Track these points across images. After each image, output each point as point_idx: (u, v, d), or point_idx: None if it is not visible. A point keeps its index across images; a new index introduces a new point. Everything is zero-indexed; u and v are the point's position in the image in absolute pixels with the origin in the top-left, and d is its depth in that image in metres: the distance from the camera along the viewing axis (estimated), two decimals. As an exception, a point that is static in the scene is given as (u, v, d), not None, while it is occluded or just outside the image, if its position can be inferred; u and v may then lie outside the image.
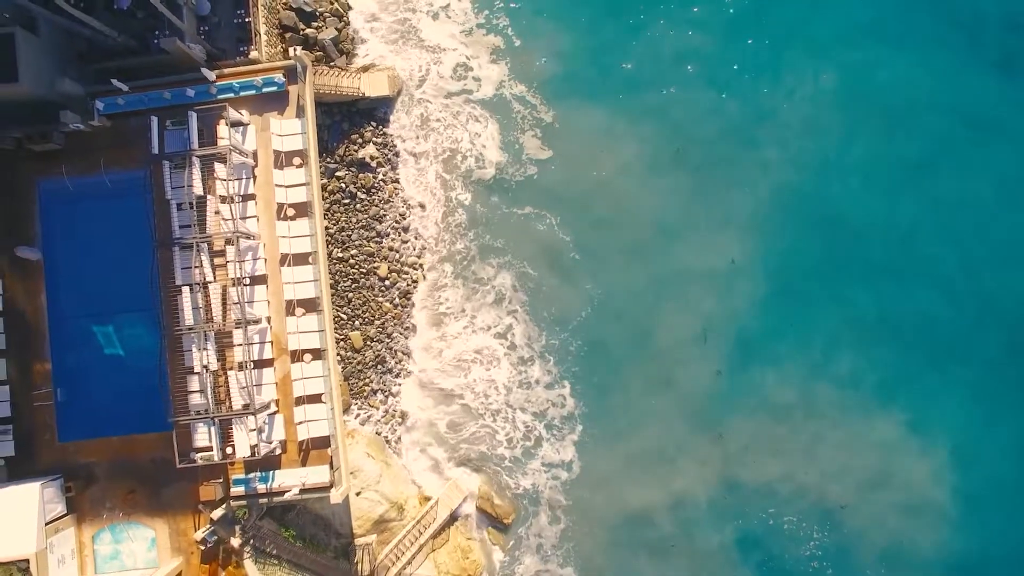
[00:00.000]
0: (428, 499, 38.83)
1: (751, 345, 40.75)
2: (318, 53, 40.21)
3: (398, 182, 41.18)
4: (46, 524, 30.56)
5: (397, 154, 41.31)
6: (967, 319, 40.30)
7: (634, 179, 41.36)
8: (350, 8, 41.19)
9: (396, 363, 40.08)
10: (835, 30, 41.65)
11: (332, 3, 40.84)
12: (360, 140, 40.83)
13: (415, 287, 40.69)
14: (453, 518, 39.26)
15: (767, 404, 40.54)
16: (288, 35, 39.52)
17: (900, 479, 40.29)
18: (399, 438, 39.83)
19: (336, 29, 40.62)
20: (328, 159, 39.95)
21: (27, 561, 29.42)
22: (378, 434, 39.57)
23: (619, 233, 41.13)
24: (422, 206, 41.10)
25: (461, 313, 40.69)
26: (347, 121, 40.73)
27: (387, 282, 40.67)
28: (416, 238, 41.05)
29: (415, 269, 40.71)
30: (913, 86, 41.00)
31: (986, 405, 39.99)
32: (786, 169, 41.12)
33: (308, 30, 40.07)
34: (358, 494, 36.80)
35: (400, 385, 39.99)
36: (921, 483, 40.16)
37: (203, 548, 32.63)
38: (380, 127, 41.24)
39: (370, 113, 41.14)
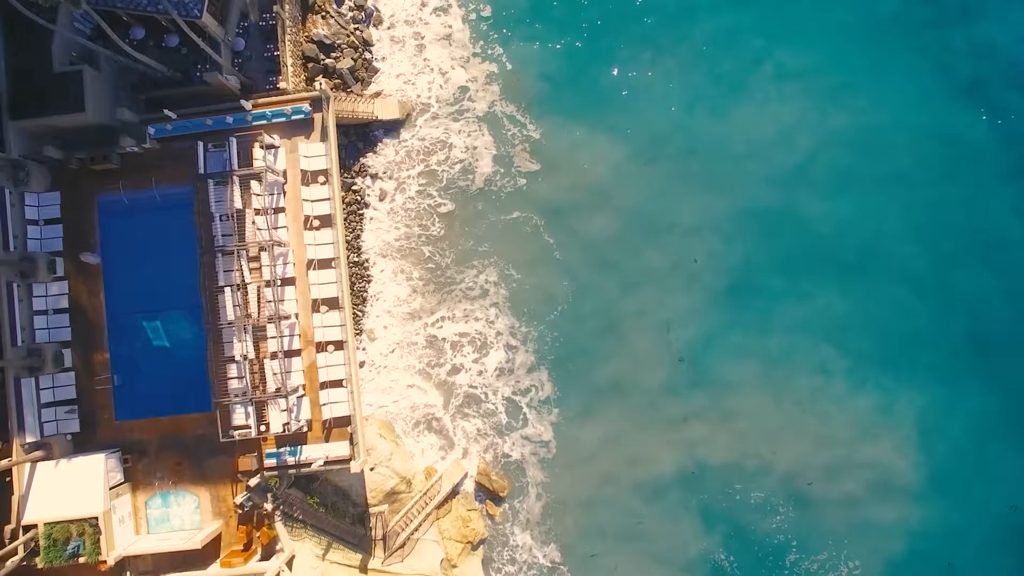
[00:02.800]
0: (433, 474, 44.06)
1: (716, 335, 44.58)
2: (336, 81, 45.41)
3: (405, 193, 46.34)
4: (109, 489, 35.84)
5: (403, 167, 46.44)
6: (931, 310, 43.96)
7: (611, 188, 45.67)
8: (365, 41, 46.28)
9: (404, 352, 45.35)
10: (804, 53, 45.59)
11: (349, 36, 46.05)
12: (373, 157, 46.06)
13: (420, 284, 45.94)
14: (455, 491, 44.39)
15: (733, 389, 44.36)
16: (310, 65, 44.73)
17: (865, 458, 43.90)
18: (406, 421, 45.11)
19: (352, 59, 45.79)
20: (345, 174, 45.16)
21: (97, 519, 34.74)
22: (388, 418, 44.81)
23: (597, 236, 45.43)
24: (426, 214, 46.28)
25: (451, 305, 45.45)
26: (362, 141, 45.99)
27: (397, 282, 45.91)
28: (417, 239, 46.21)
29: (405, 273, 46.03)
30: (881, 103, 44.78)
31: (947, 388, 43.63)
32: (753, 179, 44.93)
33: (328, 60, 45.24)
34: (372, 469, 41.87)
35: (407, 373, 45.25)
36: (885, 462, 43.79)
37: (240, 512, 37.79)
38: (390, 145, 46.41)
39: (382, 133, 46.29)
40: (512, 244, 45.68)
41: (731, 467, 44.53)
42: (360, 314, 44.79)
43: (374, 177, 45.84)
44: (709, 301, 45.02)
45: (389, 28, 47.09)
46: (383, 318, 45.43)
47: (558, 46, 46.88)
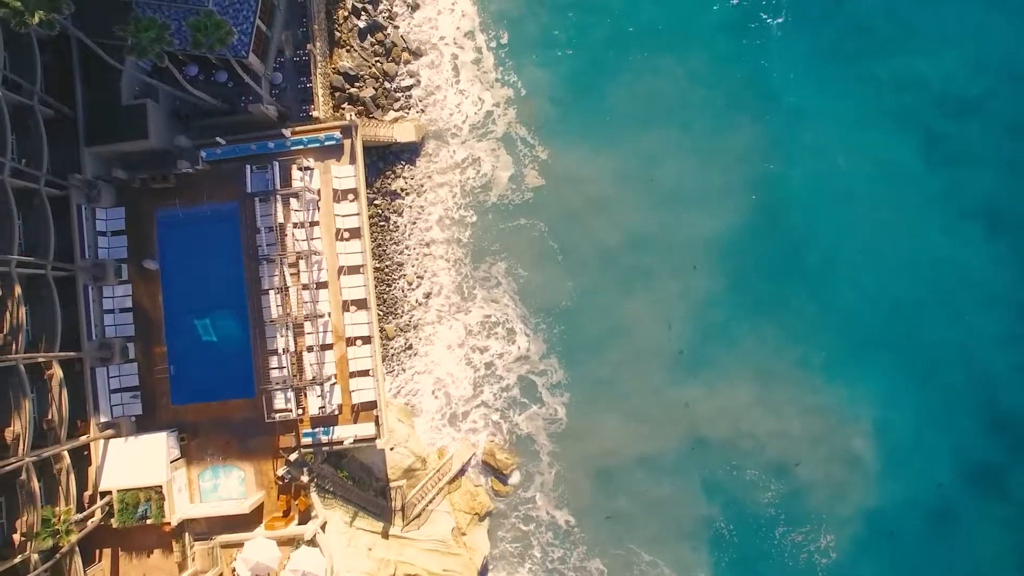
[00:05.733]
0: (445, 454, 50.16)
1: (713, 332, 50.55)
2: (360, 107, 51.41)
3: (422, 207, 52.47)
4: (170, 463, 41.82)
5: (422, 184, 52.54)
6: (880, 314, 50.11)
7: (613, 201, 51.66)
8: (385, 72, 52.33)
9: (420, 346, 51.46)
10: (789, 88, 51.50)
11: (370, 68, 52.13)
12: (392, 175, 52.20)
13: (436, 287, 52.09)
14: (464, 469, 50.43)
15: (728, 379, 50.38)
16: (336, 94, 50.77)
17: (838, 443, 49.98)
18: (422, 407, 51.26)
19: (373, 88, 51.87)
20: (367, 190, 51.12)
21: (161, 487, 40.77)
22: (406, 404, 50.96)
23: (598, 243, 51.47)
24: (440, 225, 52.40)
25: (465, 300, 51.50)
26: (382, 160, 52.04)
27: (412, 286, 52.12)
28: (432, 247, 52.31)
29: (421, 277, 52.19)
30: (849, 137, 50.94)
31: (893, 384, 49.80)
32: (740, 197, 51.12)
33: (352, 89, 51.26)
34: (392, 449, 47.66)
35: (423, 364, 51.35)
36: (848, 448, 50.03)
37: (280, 484, 43.61)
38: (407, 164, 52.59)
39: (400, 154, 52.39)
40: (521, 247, 51.52)
41: (728, 446, 50.43)
42: (379, 313, 50.72)
43: (395, 195, 51.85)
44: (706, 302, 51.02)
45: (410, 63, 52.90)
46: (403, 317, 51.49)
47: (565, 72, 52.71)
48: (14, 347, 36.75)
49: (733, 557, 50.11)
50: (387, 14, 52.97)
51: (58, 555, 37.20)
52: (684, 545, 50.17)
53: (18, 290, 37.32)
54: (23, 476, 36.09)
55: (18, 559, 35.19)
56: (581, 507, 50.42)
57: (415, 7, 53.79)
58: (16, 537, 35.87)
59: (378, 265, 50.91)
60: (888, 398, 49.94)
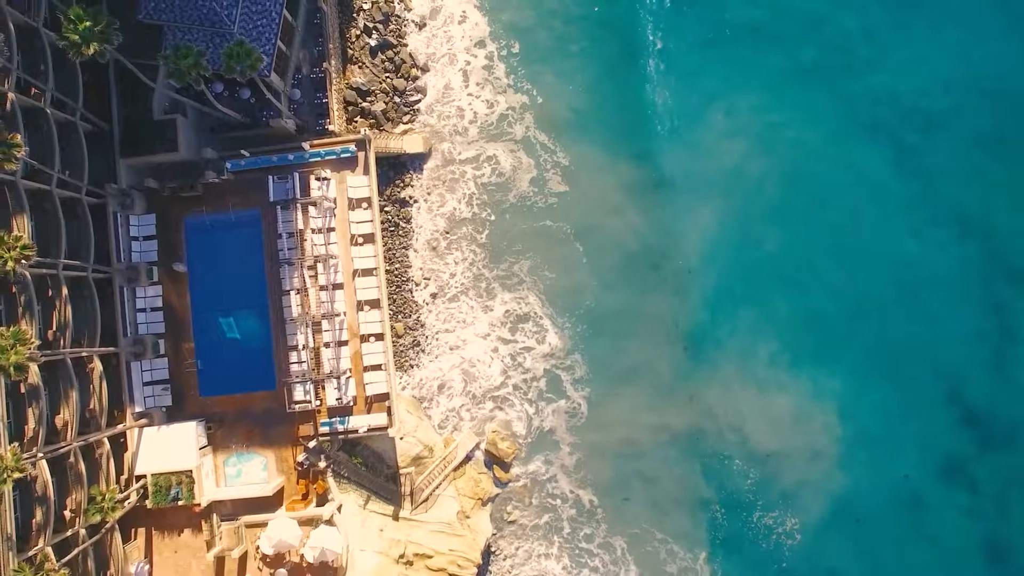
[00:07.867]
0: (450, 443, 53.84)
1: (710, 331, 54.62)
2: (371, 120, 55.04)
3: (432, 210, 56.10)
4: (199, 449, 45.49)
5: (430, 189, 56.14)
6: (853, 313, 53.89)
7: (627, 206, 55.20)
8: (395, 87, 55.97)
9: (427, 344, 55.14)
10: (773, 102, 55.19)
11: (381, 83, 55.79)
12: (401, 184, 55.84)
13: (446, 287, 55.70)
14: (468, 457, 54.05)
15: (722, 372, 54.31)
16: (350, 108, 54.44)
17: (802, 437, 53.66)
18: (431, 399, 54.92)
19: (384, 103, 55.52)
20: (379, 198, 54.68)
21: (191, 471, 44.43)
22: (413, 396, 54.64)
23: (615, 245, 54.97)
24: (451, 226, 55.93)
25: (481, 298, 54.92)
26: (392, 170, 55.63)
27: (420, 286, 55.77)
28: (442, 248, 55.89)
29: (426, 279, 55.74)
30: (812, 144, 54.55)
31: (857, 380, 53.37)
32: (733, 205, 54.90)
33: (364, 103, 54.93)
34: (401, 438, 51.19)
35: (431, 360, 54.98)
36: (814, 440, 53.64)
37: (299, 469, 47.43)
38: (416, 173, 56.26)
39: (409, 163, 56.08)
40: (546, 247, 54.92)
41: (722, 437, 54.28)
42: (392, 312, 54.26)
43: (405, 202, 55.46)
44: (703, 303, 54.94)
45: (419, 79, 56.52)
46: (412, 316, 55.12)
47: (582, 81, 56.07)
48: (62, 342, 40.39)
49: (727, 536, 53.91)
50: (397, 32, 56.57)
51: (103, 530, 40.91)
52: (687, 524, 54.04)
53: (64, 291, 40.93)
54: (71, 459, 39.77)
55: (69, 532, 38.87)
56: (602, 489, 54.00)
57: (422, 25, 57.29)
58: (67, 514, 39.53)
59: (389, 268, 54.45)
60: (859, 393, 53.49)
